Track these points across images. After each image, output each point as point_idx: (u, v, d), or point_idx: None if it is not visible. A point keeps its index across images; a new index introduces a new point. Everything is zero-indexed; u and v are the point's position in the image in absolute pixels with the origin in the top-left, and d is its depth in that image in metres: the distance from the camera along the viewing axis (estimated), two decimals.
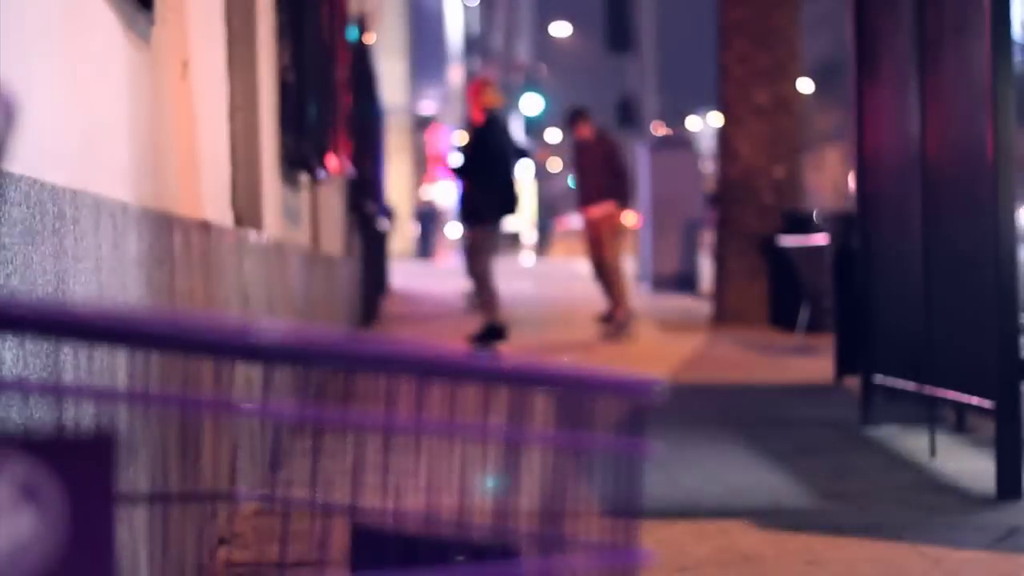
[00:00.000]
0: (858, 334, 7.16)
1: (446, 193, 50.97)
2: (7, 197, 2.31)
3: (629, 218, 12.94)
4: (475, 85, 11.36)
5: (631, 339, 12.10)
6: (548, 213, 47.50)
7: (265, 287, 5.74)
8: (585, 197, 12.72)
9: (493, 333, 10.81)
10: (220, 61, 5.13)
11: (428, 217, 42.34)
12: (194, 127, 4.39)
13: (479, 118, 11.16)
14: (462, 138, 11.44)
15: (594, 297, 18.02)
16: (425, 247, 41.51)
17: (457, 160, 11.26)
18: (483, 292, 11.00)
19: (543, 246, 44.73)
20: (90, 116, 3.01)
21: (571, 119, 12.84)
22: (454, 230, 46.61)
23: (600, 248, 12.58)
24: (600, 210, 12.63)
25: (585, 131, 12.83)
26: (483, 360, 1.52)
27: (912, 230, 6.37)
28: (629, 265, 22.17)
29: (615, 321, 12.38)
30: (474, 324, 14.09)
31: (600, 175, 12.66)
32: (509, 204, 11.14)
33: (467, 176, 11.06)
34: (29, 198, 2.44)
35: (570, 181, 13.36)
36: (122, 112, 3.33)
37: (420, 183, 47.68)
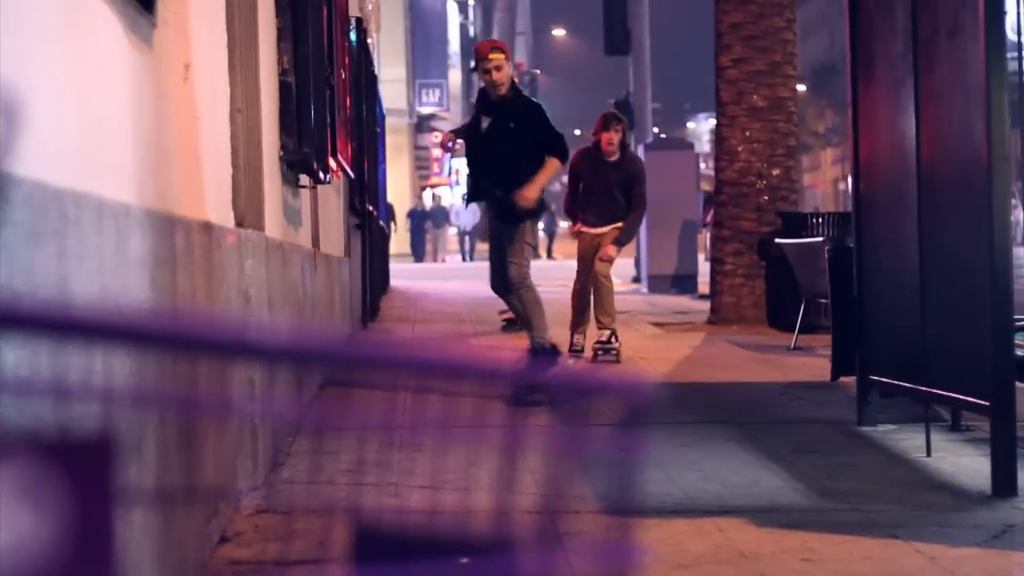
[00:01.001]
0: (855, 334, 7.19)
1: (446, 194, 50.92)
2: (10, 199, 2.33)
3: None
4: (503, 47, 8.67)
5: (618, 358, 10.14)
6: (551, 213, 47.39)
7: (266, 288, 5.77)
8: (590, 217, 10.32)
9: (547, 356, 7.97)
10: (221, 63, 5.16)
11: (422, 217, 42.16)
12: (196, 129, 4.42)
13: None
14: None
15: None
16: (418, 249, 41.20)
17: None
18: (528, 306, 8.34)
19: (548, 246, 44.60)
20: (92, 118, 3.03)
21: (609, 120, 10.23)
22: (452, 231, 46.50)
23: (592, 263, 10.24)
24: (608, 229, 10.22)
25: (613, 140, 10.17)
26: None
27: (908, 230, 6.40)
28: (628, 266, 22.15)
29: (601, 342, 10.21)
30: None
31: (613, 203, 10.24)
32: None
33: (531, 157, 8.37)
34: (32, 200, 2.46)
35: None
36: (124, 114, 3.36)
37: (420, 184, 47.64)
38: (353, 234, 12.84)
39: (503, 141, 8.41)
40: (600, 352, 10.21)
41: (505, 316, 12.12)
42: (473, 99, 12.53)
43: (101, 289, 2.95)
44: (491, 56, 8.41)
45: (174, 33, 4.03)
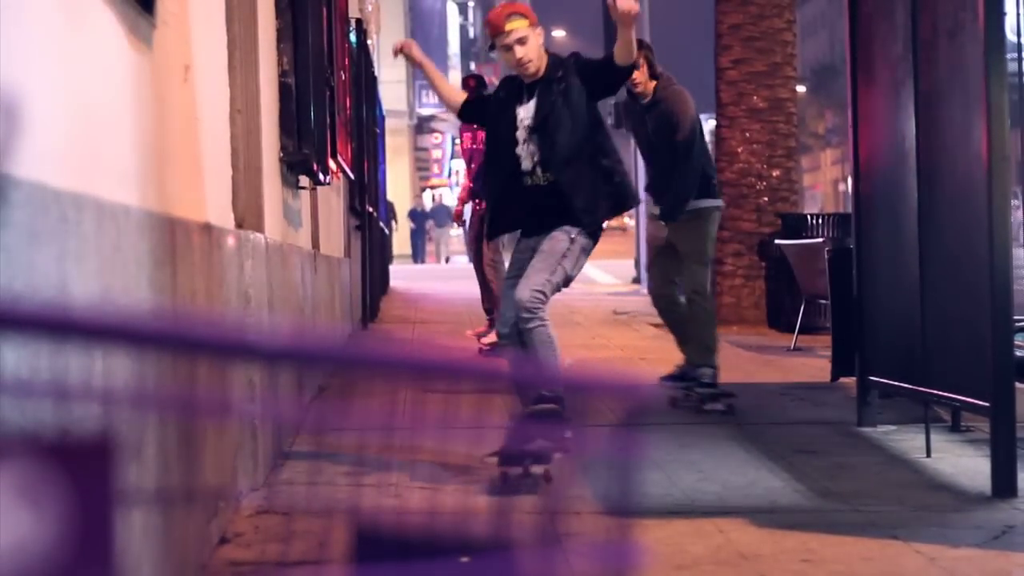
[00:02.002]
0: (854, 335, 7.19)
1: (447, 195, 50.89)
2: (10, 200, 2.34)
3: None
4: (525, 11, 6.15)
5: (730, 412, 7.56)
6: None
7: (266, 289, 5.77)
8: (651, 184, 7.80)
9: (551, 419, 5.36)
10: (221, 65, 5.16)
11: (422, 217, 42.13)
12: (195, 130, 4.42)
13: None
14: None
15: (597, 298, 17.91)
16: (417, 250, 41.17)
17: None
18: (537, 346, 5.75)
19: None
20: (92, 119, 3.04)
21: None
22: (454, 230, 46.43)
23: (673, 269, 7.73)
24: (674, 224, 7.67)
25: (637, 80, 7.49)
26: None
27: (908, 231, 6.40)
28: (628, 266, 22.11)
29: (695, 392, 7.63)
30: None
31: (656, 167, 7.63)
32: None
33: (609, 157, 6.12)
34: (32, 201, 2.46)
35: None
36: (124, 115, 3.36)
37: (420, 185, 47.62)
38: (353, 235, 12.84)
39: (556, 128, 5.99)
40: (703, 400, 7.58)
41: (486, 341, 10.42)
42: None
43: (101, 290, 2.95)
44: (508, 27, 6.04)
45: (174, 34, 4.03)
